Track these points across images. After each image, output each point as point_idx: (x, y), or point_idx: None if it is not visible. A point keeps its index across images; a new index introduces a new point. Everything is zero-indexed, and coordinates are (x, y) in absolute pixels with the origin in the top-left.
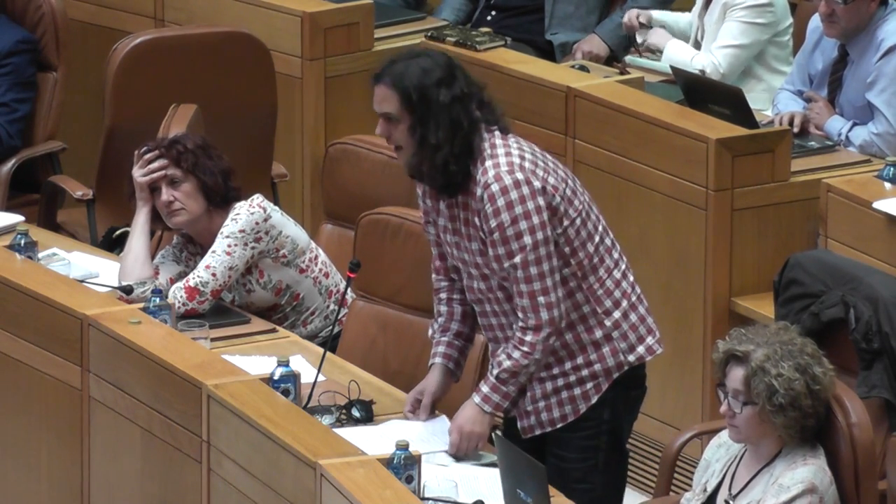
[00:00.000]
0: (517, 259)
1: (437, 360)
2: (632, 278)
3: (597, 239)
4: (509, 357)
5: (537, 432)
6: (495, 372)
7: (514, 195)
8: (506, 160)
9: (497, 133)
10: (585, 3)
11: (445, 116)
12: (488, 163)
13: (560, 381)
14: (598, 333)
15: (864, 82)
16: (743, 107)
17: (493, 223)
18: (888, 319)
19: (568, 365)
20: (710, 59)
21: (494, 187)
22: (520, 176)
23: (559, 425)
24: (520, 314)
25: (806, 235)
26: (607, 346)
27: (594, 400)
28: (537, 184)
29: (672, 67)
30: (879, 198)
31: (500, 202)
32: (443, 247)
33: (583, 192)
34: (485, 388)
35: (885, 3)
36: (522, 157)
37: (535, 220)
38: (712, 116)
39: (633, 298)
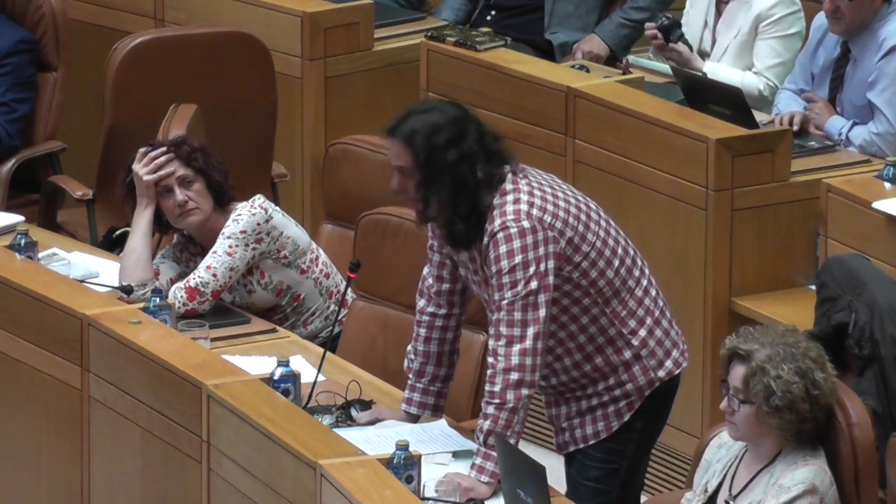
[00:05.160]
0: (505, 302)
1: (413, 409)
2: (653, 292)
3: (616, 263)
4: (486, 416)
5: (571, 448)
6: (481, 438)
7: (516, 244)
8: (513, 208)
9: (509, 178)
10: (585, 3)
11: (449, 178)
12: (496, 212)
13: (594, 401)
14: (628, 354)
15: (866, 81)
16: (743, 107)
17: (493, 269)
18: (881, 327)
19: (601, 386)
20: (765, 82)
21: (499, 235)
22: (525, 224)
23: (591, 441)
24: (489, 358)
25: (806, 235)
26: (637, 365)
27: (627, 417)
28: (541, 234)
29: (672, 67)
30: (879, 198)
31: (503, 249)
32: (460, 279)
33: (599, 219)
34: (478, 460)
35: (889, 0)
36: (531, 204)
37: (533, 269)
38: (712, 116)
39: (657, 313)
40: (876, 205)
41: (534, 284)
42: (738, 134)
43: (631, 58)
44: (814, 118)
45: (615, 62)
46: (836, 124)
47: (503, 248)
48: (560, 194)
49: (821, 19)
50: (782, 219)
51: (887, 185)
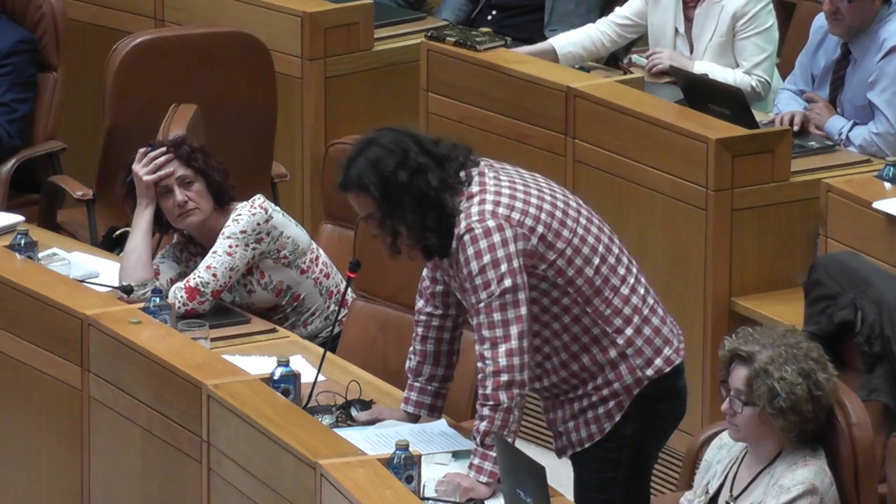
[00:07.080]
0: (482, 304)
1: (410, 408)
2: (642, 291)
3: (596, 261)
4: (482, 418)
5: (569, 453)
6: (478, 439)
7: (483, 244)
8: (477, 209)
9: (476, 179)
10: (585, 2)
11: (408, 198)
12: (462, 215)
13: (585, 402)
14: (613, 353)
15: (866, 82)
16: (743, 107)
17: (464, 272)
18: (891, 323)
19: (590, 386)
20: (756, 79)
21: (465, 238)
22: (491, 223)
23: (587, 445)
24: (478, 363)
25: (806, 235)
26: (623, 364)
27: (617, 417)
28: (508, 232)
29: (672, 67)
30: (879, 198)
31: (470, 251)
32: (446, 283)
33: (578, 216)
34: (476, 460)
35: (889, 1)
36: (497, 203)
37: (504, 267)
38: (712, 116)
39: (645, 311)
40: (876, 205)
41: (507, 282)
42: (738, 134)
43: (632, 57)
44: (814, 118)
45: (616, 62)
46: (837, 124)
47: (470, 251)
48: (533, 191)
49: (821, 21)
50: (782, 219)
51: (887, 185)
